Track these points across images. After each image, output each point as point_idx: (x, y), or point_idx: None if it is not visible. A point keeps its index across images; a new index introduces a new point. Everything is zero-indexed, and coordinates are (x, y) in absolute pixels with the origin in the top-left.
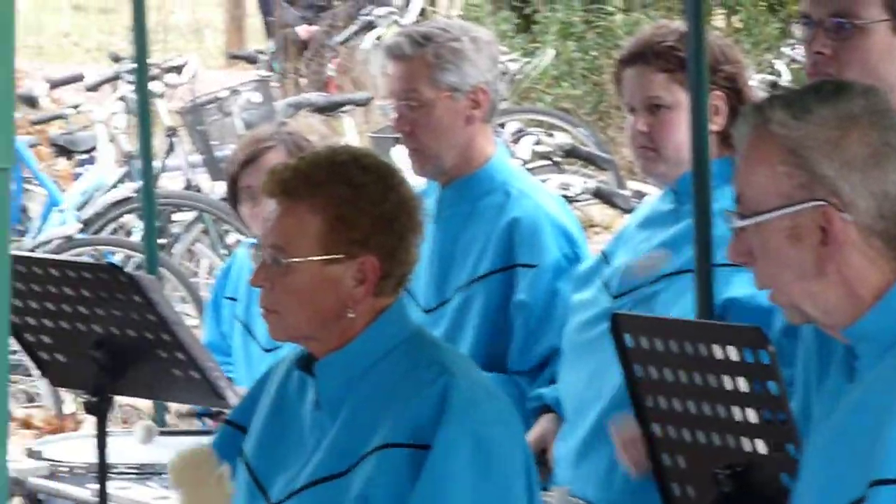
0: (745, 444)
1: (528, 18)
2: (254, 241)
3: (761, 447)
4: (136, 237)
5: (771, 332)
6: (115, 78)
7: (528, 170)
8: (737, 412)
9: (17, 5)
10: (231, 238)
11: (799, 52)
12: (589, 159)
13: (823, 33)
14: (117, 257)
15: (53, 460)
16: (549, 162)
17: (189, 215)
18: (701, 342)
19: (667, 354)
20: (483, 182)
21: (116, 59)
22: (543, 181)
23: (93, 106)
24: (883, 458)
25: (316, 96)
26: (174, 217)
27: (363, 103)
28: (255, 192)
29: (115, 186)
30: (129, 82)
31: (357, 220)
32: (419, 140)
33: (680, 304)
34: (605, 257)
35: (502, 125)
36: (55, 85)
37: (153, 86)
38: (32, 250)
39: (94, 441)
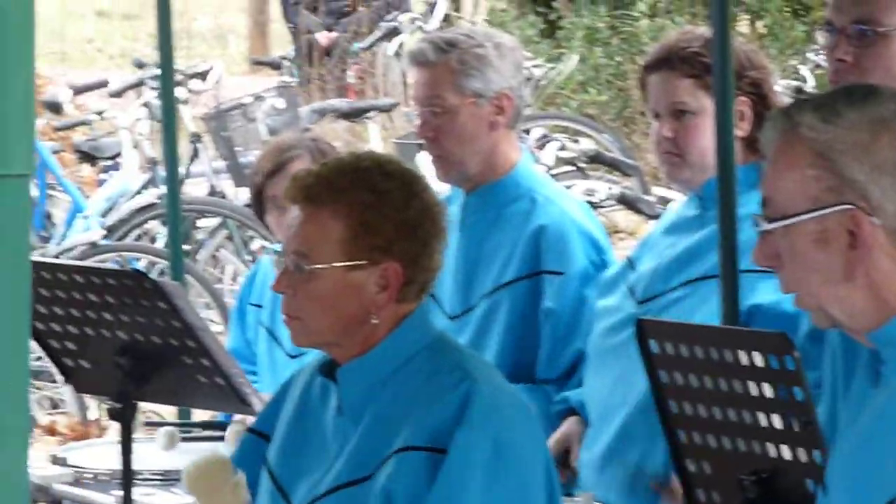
0: (771, 450)
1: (553, 24)
2: (278, 247)
3: (786, 453)
4: (161, 243)
5: (796, 337)
6: (139, 84)
7: (553, 176)
8: (762, 418)
9: (39, 11)
10: (255, 244)
11: (824, 58)
12: (613, 165)
13: (846, 40)
14: (141, 263)
15: (78, 467)
16: (573, 168)
17: (213, 221)
18: (726, 348)
19: (692, 360)
20: (508, 189)
21: (140, 65)
22: (568, 187)
23: (117, 112)
24: None
25: (340, 102)
26: (198, 223)
27: (387, 109)
28: (281, 202)
29: (139, 192)
30: (153, 88)
31: (380, 227)
32: (443, 146)
33: (704, 310)
34: (631, 263)
35: (527, 131)
36: (79, 91)
37: (177, 92)
38: (57, 257)
39: (119, 447)
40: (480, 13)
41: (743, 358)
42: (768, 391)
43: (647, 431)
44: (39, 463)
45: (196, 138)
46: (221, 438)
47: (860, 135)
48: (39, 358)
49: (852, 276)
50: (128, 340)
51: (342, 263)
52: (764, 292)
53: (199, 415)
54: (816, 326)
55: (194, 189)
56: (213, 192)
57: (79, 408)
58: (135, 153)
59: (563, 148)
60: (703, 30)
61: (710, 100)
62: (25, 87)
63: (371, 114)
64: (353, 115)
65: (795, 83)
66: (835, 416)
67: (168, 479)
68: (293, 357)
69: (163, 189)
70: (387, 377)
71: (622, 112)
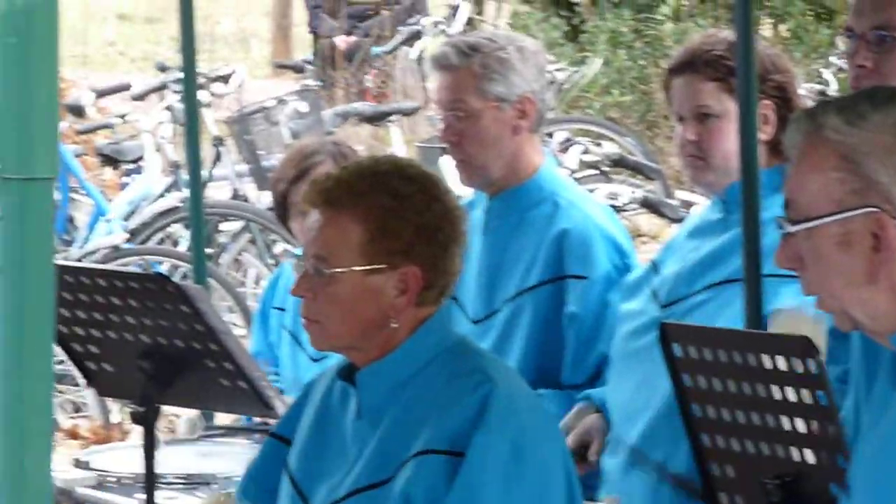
0: (794, 454)
1: (577, 28)
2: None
3: (810, 457)
4: (183, 247)
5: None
6: (161, 87)
7: (576, 179)
8: (785, 422)
9: (61, 14)
10: (278, 248)
11: (846, 62)
12: (636, 169)
13: (865, 46)
14: (164, 267)
15: (101, 470)
16: (596, 171)
17: (236, 225)
18: (749, 352)
19: (715, 364)
20: (531, 192)
21: (163, 68)
22: (591, 191)
23: (139, 115)
24: None
25: (363, 106)
26: (221, 227)
27: (410, 113)
28: (303, 207)
29: (161, 196)
30: (176, 92)
31: (400, 231)
32: (466, 150)
33: (728, 314)
34: (655, 267)
35: (550, 135)
36: (101, 94)
37: (200, 95)
38: (79, 260)
39: (142, 451)
40: (503, 16)
41: (766, 362)
42: (792, 395)
43: (671, 435)
44: (62, 466)
45: (219, 142)
46: (244, 441)
47: (884, 137)
48: (62, 361)
49: (875, 279)
50: (150, 344)
51: (361, 267)
52: (787, 296)
53: (220, 418)
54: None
55: (217, 192)
56: (235, 196)
57: (101, 411)
58: (157, 156)
59: (586, 151)
60: (728, 33)
61: (734, 103)
62: (50, 91)
63: (393, 117)
64: (376, 118)
65: (819, 87)
66: (858, 418)
67: (191, 482)
68: (316, 360)
69: (185, 192)
70: (406, 380)
71: (645, 115)
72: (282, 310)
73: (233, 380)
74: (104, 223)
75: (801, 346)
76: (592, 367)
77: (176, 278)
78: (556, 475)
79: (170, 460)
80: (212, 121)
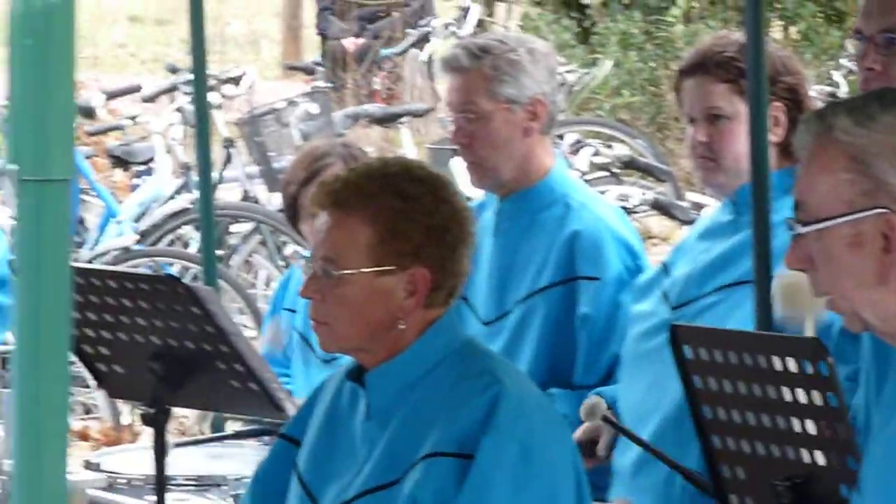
0: (804, 455)
1: (588, 29)
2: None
3: (820, 459)
4: (194, 248)
5: (830, 333)
6: (172, 89)
7: (587, 181)
8: (796, 424)
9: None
10: (289, 249)
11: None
12: (647, 171)
13: (874, 49)
14: (175, 269)
15: (111, 472)
16: (607, 173)
17: (247, 227)
18: (760, 353)
19: (726, 366)
20: (543, 194)
21: (173, 70)
22: (602, 192)
23: (150, 117)
24: None
25: (373, 107)
26: (232, 228)
27: (421, 114)
28: (311, 209)
29: (172, 198)
30: (187, 93)
31: (408, 232)
32: (477, 153)
33: (738, 316)
34: (665, 268)
35: (561, 136)
36: (112, 96)
37: (210, 97)
38: (90, 262)
39: (152, 453)
40: (514, 18)
41: (777, 363)
42: (802, 397)
43: (681, 437)
44: (73, 468)
45: (229, 143)
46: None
47: (894, 138)
48: (72, 363)
49: (886, 280)
50: (161, 345)
51: (370, 269)
52: None
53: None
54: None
55: (227, 194)
56: (246, 198)
57: (112, 413)
58: (168, 158)
59: (596, 153)
60: (739, 35)
61: (745, 105)
62: (66, 93)
63: (404, 119)
64: (386, 120)
65: (829, 89)
66: (868, 420)
67: (202, 484)
68: (326, 362)
69: (196, 194)
70: (415, 382)
71: (656, 117)
72: (292, 311)
73: (243, 381)
74: (115, 225)
75: (811, 348)
76: (604, 368)
77: (186, 280)
78: (566, 476)
79: (180, 462)
80: (222, 122)
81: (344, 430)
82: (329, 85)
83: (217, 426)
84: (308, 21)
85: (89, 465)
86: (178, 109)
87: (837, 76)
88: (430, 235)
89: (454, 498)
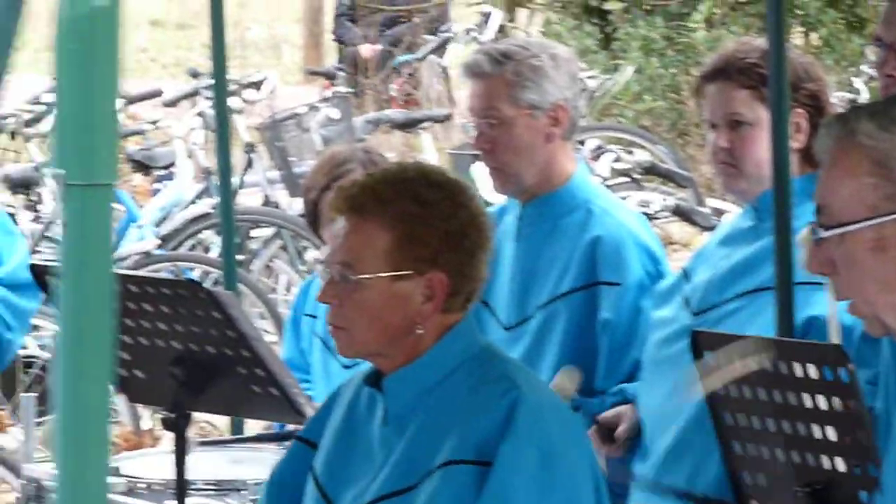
0: (825, 462)
1: (609, 35)
2: None
3: (840, 465)
4: (215, 253)
5: (851, 338)
6: (193, 94)
7: (608, 187)
8: (816, 430)
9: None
10: (309, 254)
11: None
12: (668, 176)
13: (894, 56)
14: (195, 273)
15: (131, 476)
16: (628, 179)
17: (267, 231)
18: (780, 360)
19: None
20: (564, 200)
21: (195, 74)
22: (623, 198)
23: (171, 122)
24: None
25: (394, 113)
26: (252, 233)
27: (441, 120)
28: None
29: (193, 202)
30: (208, 98)
31: (425, 237)
32: (499, 158)
33: (760, 322)
34: (686, 274)
35: (582, 142)
36: (133, 100)
37: (231, 102)
38: None
39: (173, 457)
40: (535, 24)
41: (797, 370)
42: (823, 403)
43: (702, 443)
44: None
45: (250, 148)
46: (275, 448)
47: None
48: None
49: None
50: (182, 350)
51: (387, 274)
52: (819, 304)
53: (251, 425)
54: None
55: (248, 199)
56: (267, 202)
57: (132, 418)
58: (189, 163)
59: (617, 159)
60: (761, 41)
61: (767, 111)
62: (111, 98)
63: (425, 124)
64: (407, 125)
65: (850, 96)
66: (890, 422)
67: (222, 489)
68: (347, 367)
69: (217, 199)
70: (432, 387)
71: (677, 123)
72: (313, 317)
73: (264, 386)
74: (135, 229)
75: (832, 354)
76: (625, 374)
77: (207, 284)
78: (585, 481)
79: (200, 467)
80: (243, 127)
81: (361, 435)
82: (350, 90)
83: (237, 428)
84: (330, 26)
85: (109, 470)
86: (200, 114)
87: (858, 83)
88: (448, 240)
89: None
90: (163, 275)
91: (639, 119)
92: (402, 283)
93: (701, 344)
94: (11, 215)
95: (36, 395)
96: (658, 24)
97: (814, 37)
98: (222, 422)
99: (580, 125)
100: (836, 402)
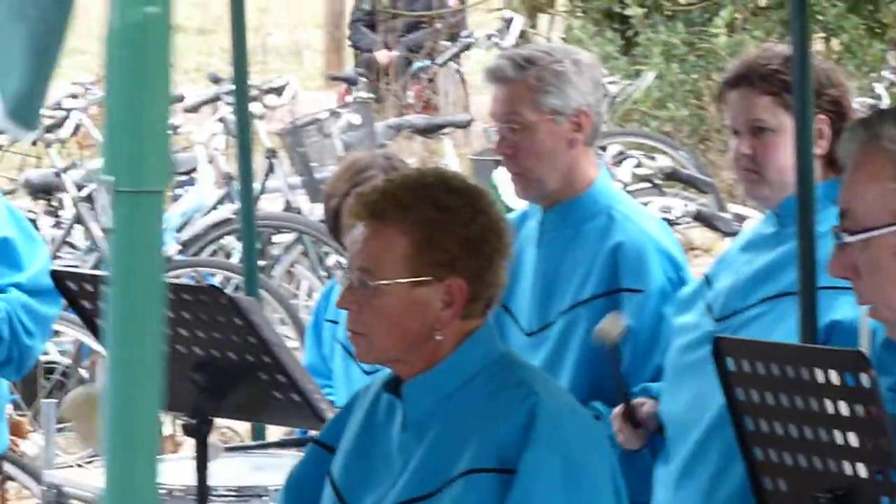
0: (846, 467)
1: (630, 41)
2: None
3: (862, 471)
4: (236, 259)
5: (872, 345)
6: (214, 99)
7: (629, 192)
8: (838, 436)
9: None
10: (331, 260)
11: None
12: (689, 182)
13: None
14: (216, 279)
15: None
16: (649, 185)
17: (289, 237)
18: (802, 366)
19: (768, 378)
20: (586, 205)
21: (216, 80)
22: (644, 204)
23: (192, 127)
24: None
25: (415, 118)
26: (274, 239)
27: (463, 125)
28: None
29: (214, 208)
30: (229, 104)
31: (445, 243)
32: (522, 163)
33: (782, 328)
34: (708, 281)
35: (603, 148)
36: None
37: (253, 107)
38: None
39: (194, 463)
40: (557, 30)
41: (819, 376)
42: (844, 409)
43: (724, 448)
44: None
45: (271, 154)
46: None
47: None
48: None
49: None
50: (203, 356)
51: (406, 279)
52: (842, 309)
53: (273, 430)
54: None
55: (269, 204)
56: (288, 208)
57: None
58: (210, 168)
59: (639, 165)
60: (783, 47)
61: (789, 117)
62: (162, 105)
63: (446, 130)
64: (429, 130)
65: (871, 101)
66: None
67: (243, 495)
68: (368, 373)
69: (238, 204)
70: (451, 394)
71: (698, 129)
72: (335, 322)
73: (286, 392)
74: None
75: (853, 360)
76: (648, 380)
77: (228, 290)
78: (606, 485)
79: (222, 473)
80: (264, 133)
81: (380, 441)
82: (371, 96)
83: (259, 433)
84: None
85: None
86: (221, 119)
87: (879, 88)
88: (467, 246)
89: None
90: (184, 281)
91: (660, 125)
92: (422, 289)
93: (723, 350)
94: (32, 221)
95: (56, 401)
96: (679, 30)
97: (835, 42)
98: (243, 428)
99: (601, 131)
100: (858, 408)
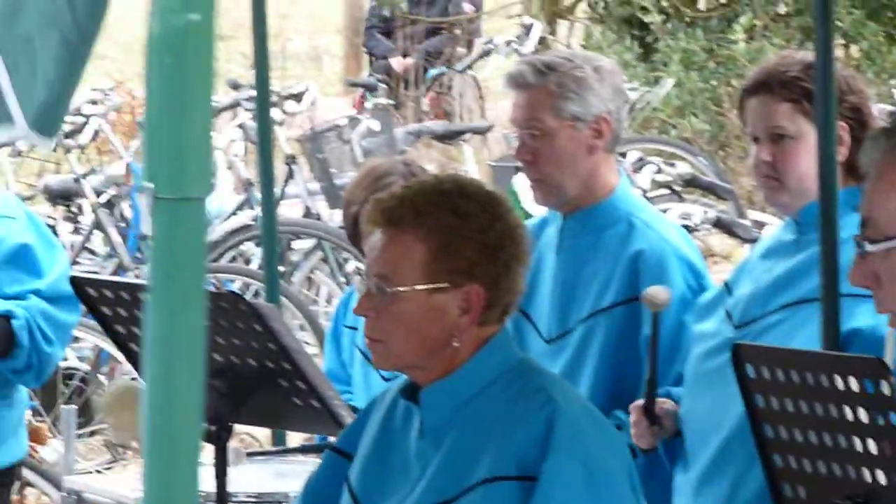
0: (866, 474)
1: (649, 47)
2: None
3: (881, 478)
4: (255, 265)
5: None
6: (234, 105)
7: (648, 199)
8: (857, 443)
9: (132, 32)
10: (350, 266)
11: None
12: (709, 189)
13: None
14: (236, 285)
15: None
16: (669, 191)
17: (308, 243)
18: (822, 373)
19: (788, 385)
20: (607, 212)
21: (235, 86)
22: (664, 210)
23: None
24: None
25: (435, 124)
26: (293, 245)
27: (483, 131)
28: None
29: (234, 214)
30: (248, 110)
31: (462, 249)
32: (542, 169)
33: (802, 335)
34: (728, 287)
35: (623, 154)
36: None
37: (272, 113)
38: None
39: (214, 470)
40: (576, 36)
41: (839, 382)
42: (864, 416)
43: (743, 455)
44: (133, 485)
45: (291, 160)
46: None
47: None
48: (134, 379)
49: None
50: (223, 363)
51: (424, 286)
52: (863, 316)
53: (293, 437)
54: None
55: (289, 210)
56: (308, 214)
57: None
58: (230, 174)
59: (658, 171)
60: (803, 54)
61: (809, 124)
62: (204, 112)
63: (466, 136)
64: (448, 137)
65: (890, 108)
66: None
67: (263, 501)
68: (387, 379)
69: (258, 210)
70: (469, 400)
71: (717, 136)
72: (354, 329)
73: (305, 399)
74: None
75: (873, 367)
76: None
77: (248, 296)
78: (625, 491)
79: (242, 479)
80: (284, 139)
81: (397, 447)
82: (391, 102)
83: (279, 440)
84: None
85: None
86: (240, 126)
87: None
88: (485, 253)
89: None
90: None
91: (680, 132)
92: (439, 295)
93: (742, 357)
94: (51, 227)
95: (76, 407)
96: (698, 37)
97: (854, 49)
98: (263, 434)
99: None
100: (878, 415)
